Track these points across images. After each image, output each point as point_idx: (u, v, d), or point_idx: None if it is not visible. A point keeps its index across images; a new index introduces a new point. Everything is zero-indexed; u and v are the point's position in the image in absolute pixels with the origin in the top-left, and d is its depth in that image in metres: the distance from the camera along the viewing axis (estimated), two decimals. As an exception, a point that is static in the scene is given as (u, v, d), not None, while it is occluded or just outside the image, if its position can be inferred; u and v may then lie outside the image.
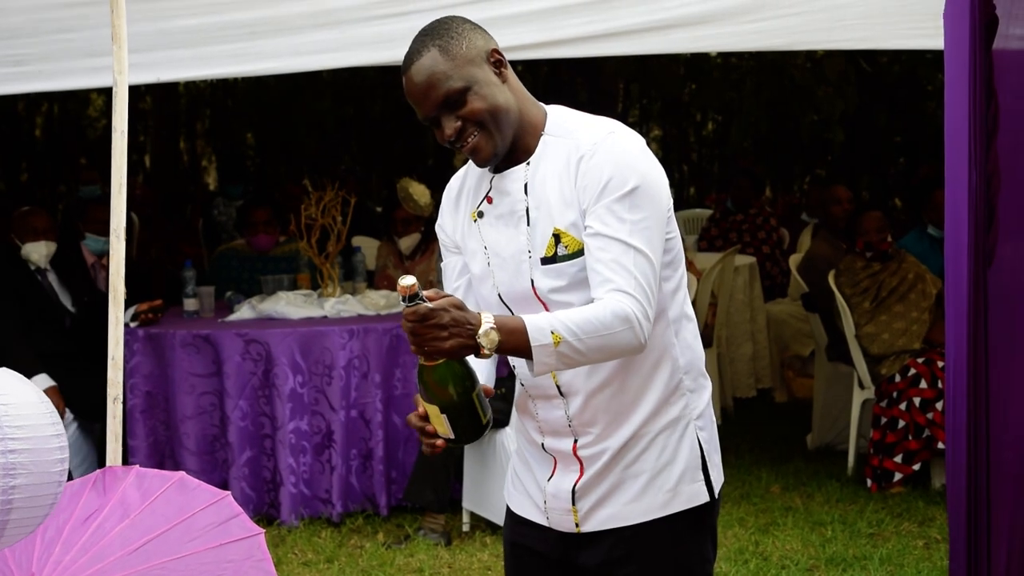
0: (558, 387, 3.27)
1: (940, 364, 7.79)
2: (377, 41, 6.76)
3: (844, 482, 8.11)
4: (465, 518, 7.40)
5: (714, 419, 3.40)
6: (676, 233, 3.27)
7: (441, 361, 2.91)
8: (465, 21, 3.22)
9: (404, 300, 2.85)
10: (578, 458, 3.30)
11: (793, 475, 8.27)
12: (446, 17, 3.23)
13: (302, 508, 7.57)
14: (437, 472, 7.29)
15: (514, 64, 3.47)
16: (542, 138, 3.24)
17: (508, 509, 3.52)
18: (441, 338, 2.88)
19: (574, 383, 3.25)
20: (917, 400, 7.85)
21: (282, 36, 6.80)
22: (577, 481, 3.31)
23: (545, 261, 3.19)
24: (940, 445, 7.73)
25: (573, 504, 3.32)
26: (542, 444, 3.35)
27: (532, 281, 3.22)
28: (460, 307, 2.90)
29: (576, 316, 3.00)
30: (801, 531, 7.18)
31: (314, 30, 6.79)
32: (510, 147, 3.22)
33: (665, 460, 3.28)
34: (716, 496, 3.36)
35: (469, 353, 2.91)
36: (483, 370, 3.30)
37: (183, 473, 3.52)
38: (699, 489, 3.31)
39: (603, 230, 3.09)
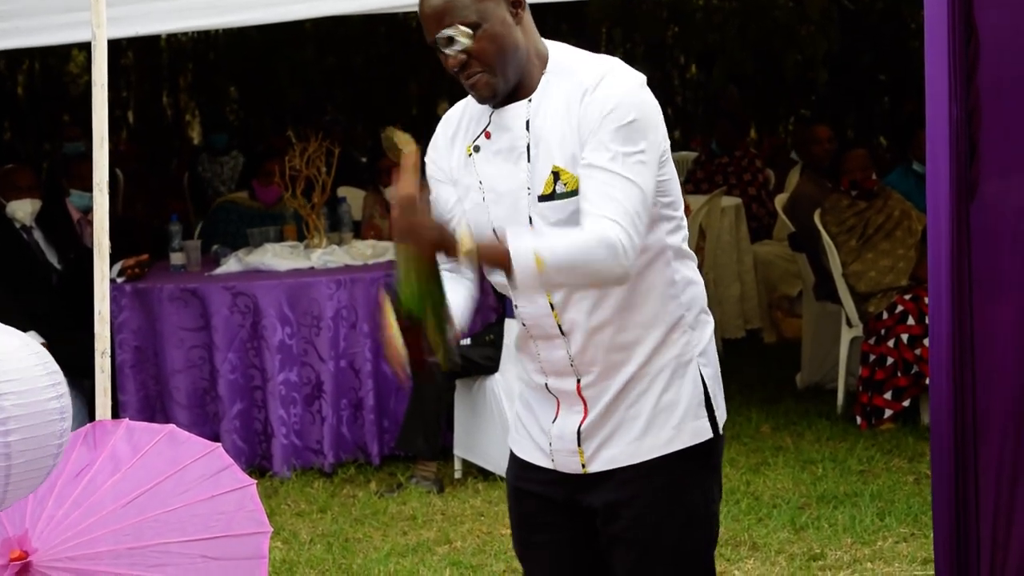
0: (559, 326, 3.27)
1: (927, 300, 7.81)
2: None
3: (834, 420, 8.14)
4: (457, 465, 7.42)
5: (717, 355, 3.40)
6: (673, 174, 3.27)
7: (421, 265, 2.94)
8: None
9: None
10: (582, 398, 3.30)
11: (783, 415, 8.30)
12: None
13: (294, 459, 7.59)
14: (428, 420, 7.31)
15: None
16: (544, 76, 3.23)
17: (512, 454, 3.51)
18: (420, 235, 2.94)
19: (575, 322, 3.25)
20: (905, 337, 7.87)
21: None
22: (582, 421, 3.31)
23: (543, 199, 3.19)
24: (929, 381, 7.75)
25: (579, 445, 3.32)
26: (545, 384, 3.34)
27: (531, 219, 3.22)
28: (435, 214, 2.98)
29: (561, 239, 3.03)
30: (792, 470, 7.22)
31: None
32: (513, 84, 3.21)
33: (669, 397, 3.28)
34: (720, 432, 3.36)
35: (446, 247, 2.96)
36: (457, 310, 3.27)
37: (173, 426, 3.53)
38: (703, 425, 3.31)
39: (596, 160, 3.09)
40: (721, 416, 3.37)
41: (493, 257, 3.00)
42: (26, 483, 2.94)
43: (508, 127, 3.24)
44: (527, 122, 3.22)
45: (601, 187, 3.07)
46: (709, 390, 3.33)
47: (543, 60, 3.25)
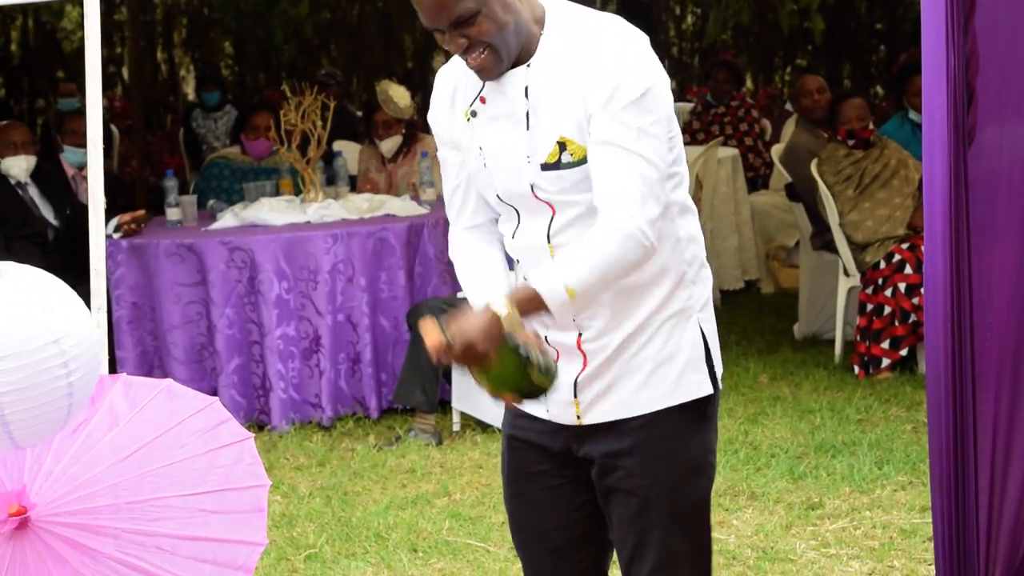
0: None
1: (924, 249, 7.81)
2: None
3: (832, 370, 8.15)
4: (455, 418, 7.43)
5: (713, 310, 3.41)
6: (677, 131, 3.24)
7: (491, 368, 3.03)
8: None
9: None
10: (582, 351, 3.29)
11: (781, 365, 8.31)
12: None
13: (292, 413, 7.60)
14: (426, 373, 7.31)
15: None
16: (542, 38, 3.18)
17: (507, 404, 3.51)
18: (481, 355, 2.99)
19: None
20: (902, 286, 7.87)
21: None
22: (579, 373, 3.30)
23: (546, 167, 3.17)
24: (925, 329, 7.75)
25: (575, 396, 3.31)
26: (545, 337, 3.32)
27: (532, 186, 3.20)
28: (473, 322, 3.01)
29: (585, 263, 3.05)
30: (790, 420, 7.23)
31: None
32: None
33: (669, 351, 3.27)
34: (719, 386, 3.36)
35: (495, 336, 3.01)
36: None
37: (170, 380, 3.53)
38: (703, 380, 3.31)
39: (609, 137, 3.08)
40: (719, 370, 3.37)
41: (530, 310, 3.06)
42: (33, 426, 2.98)
43: (505, 93, 3.21)
44: (526, 89, 3.19)
45: (617, 166, 3.07)
46: (709, 344, 3.33)
47: (540, 22, 3.20)
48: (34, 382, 2.93)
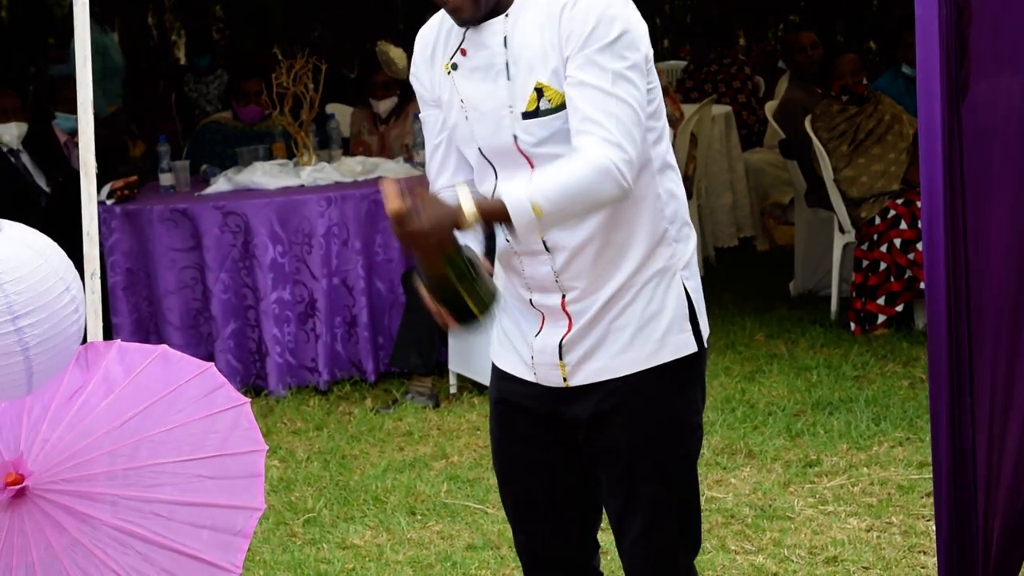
0: (543, 242, 3.24)
1: (919, 204, 7.79)
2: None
3: (828, 327, 8.15)
4: (452, 380, 7.44)
5: (698, 269, 3.39)
6: (657, 83, 3.23)
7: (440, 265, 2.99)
8: None
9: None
10: (567, 313, 3.28)
11: (777, 322, 8.31)
12: None
13: (289, 377, 7.59)
14: (422, 336, 7.31)
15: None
16: None
17: (494, 366, 3.49)
18: (427, 240, 2.95)
19: (559, 238, 3.22)
20: (898, 241, 7.87)
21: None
22: (564, 335, 3.29)
23: (527, 116, 3.16)
24: (922, 285, 7.74)
25: (560, 359, 3.31)
26: (530, 300, 3.32)
27: (515, 137, 3.19)
28: (435, 208, 2.95)
29: (555, 181, 3.00)
30: (787, 377, 7.23)
31: None
32: None
33: (652, 311, 3.26)
34: (704, 345, 3.36)
35: (451, 228, 2.96)
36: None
37: (165, 347, 3.52)
38: (687, 339, 3.30)
39: (585, 78, 3.06)
40: (705, 330, 3.36)
41: (493, 216, 3.01)
42: (51, 364, 3.05)
43: (485, 44, 3.20)
44: (504, 39, 3.18)
45: (593, 106, 3.05)
46: (694, 303, 3.32)
47: None
48: (57, 330, 3.05)
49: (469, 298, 3.02)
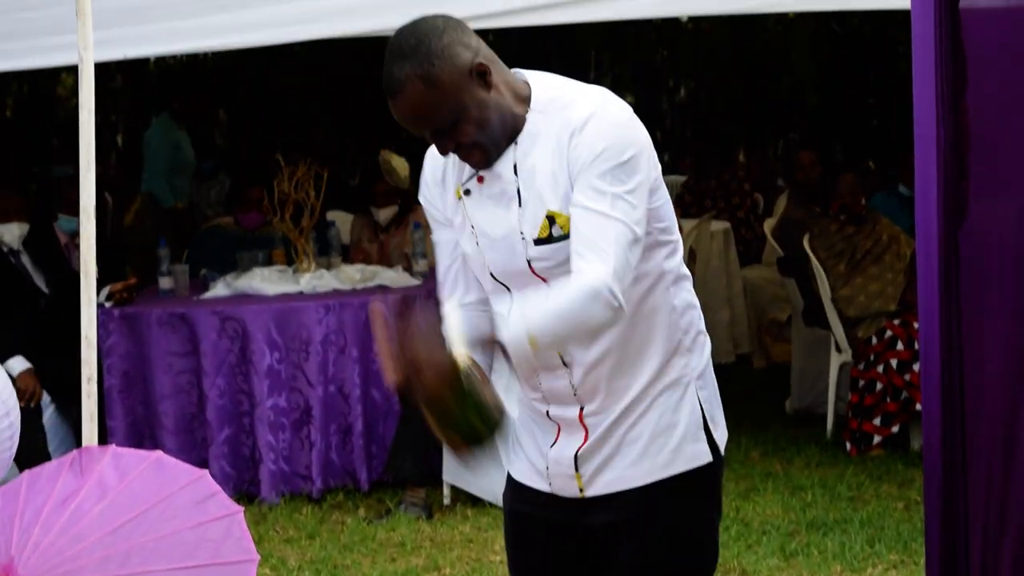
0: (561, 357, 3.25)
1: (916, 325, 7.81)
2: (351, 11, 6.72)
3: (823, 446, 8.13)
4: (446, 491, 7.40)
5: (714, 377, 3.40)
6: (667, 198, 3.25)
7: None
8: (443, 27, 3.11)
9: None
10: (584, 425, 3.30)
11: (772, 440, 8.29)
12: (422, 26, 3.11)
13: (282, 485, 7.56)
14: (417, 446, 7.29)
15: (484, 33, 3.41)
16: (529, 115, 3.19)
17: (509, 476, 3.50)
18: (424, 376, 2.91)
19: (577, 353, 3.24)
20: (894, 362, 7.87)
21: (250, 8, 6.75)
22: (580, 447, 3.30)
23: (539, 242, 3.18)
24: (918, 407, 7.74)
25: (576, 470, 3.32)
26: (547, 412, 3.34)
27: (529, 262, 3.20)
28: (431, 353, 2.93)
29: (548, 311, 3.01)
30: (781, 496, 7.21)
31: (283, 1, 6.74)
32: None
33: (666, 421, 3.28)
34: (720, 455, 3.35)
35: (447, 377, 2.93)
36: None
37: (160, 452, 3.52)
38: (701, 449, 3.31)
39: (586, 202, 3.08)
40: (721, 438, 3.38)
41: (489, 348, 3.06)
42: None
43: (497, 172, 3.21)
44: (515, 166, 3.20)
45: (590, 229, 3.06)
46: (706, 412, 3.33)
47: (525, 100, 3.20)
48: None
49: (475, 419, 3.00)
